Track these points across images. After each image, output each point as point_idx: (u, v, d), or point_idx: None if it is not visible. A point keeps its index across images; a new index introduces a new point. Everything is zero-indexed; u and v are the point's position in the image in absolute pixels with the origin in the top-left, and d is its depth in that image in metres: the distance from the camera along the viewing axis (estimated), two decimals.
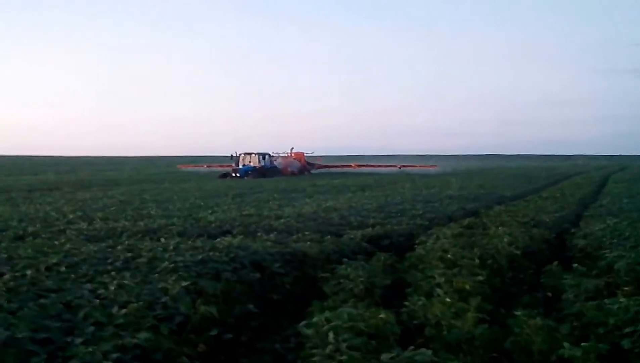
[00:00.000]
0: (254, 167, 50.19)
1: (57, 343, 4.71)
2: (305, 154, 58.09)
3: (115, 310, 5.52)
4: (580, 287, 7.10)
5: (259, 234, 11.45)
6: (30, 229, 12.17)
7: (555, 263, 8.79)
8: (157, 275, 7.20)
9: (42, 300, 5.77)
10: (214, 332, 5.73)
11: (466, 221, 13.52)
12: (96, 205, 19.38)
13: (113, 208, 17.98)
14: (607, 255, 8.81)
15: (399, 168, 55.78)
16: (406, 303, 6.61)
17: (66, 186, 33.61)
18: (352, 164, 60.41)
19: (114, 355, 4.38)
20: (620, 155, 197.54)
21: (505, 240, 9.84)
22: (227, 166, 52.36)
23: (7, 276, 6.80)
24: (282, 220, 13.85)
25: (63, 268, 7.47)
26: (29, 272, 7.07)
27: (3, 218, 14.56)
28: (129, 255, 8.50)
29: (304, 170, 55.70)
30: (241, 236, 10.64)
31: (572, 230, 12.97)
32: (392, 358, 4.75)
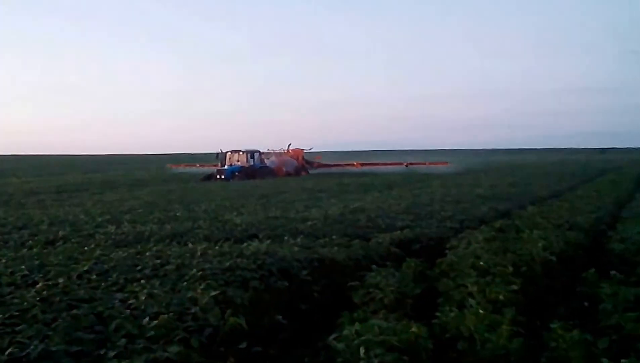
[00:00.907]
0: (242, 167, 44.90)
1: (91, 356, 4.72)
2: (304, 151, 53.38)
3: (146, 321, 5.51)
4: (618, 297, 6.92)
5: (285, 238, 11.42)
6: (60, 233, 12.27)
7: (592, 270, 8.59)
8: (185, 283, 7.17)
9: (75, 311, 5.80)
10: (243, 345, 5.68)
11: (498, 224, 13.26)
12: (123, 207, 19.52)
13: (140, 210, 18.11)
14: None
15: (406, 165, 50.98)
16: (438, 314, 6.51)
17: (93, 187, 33.93)
18: (355, 163, 55.46)
19: None
20: None
21: (540, 244, 9.57)
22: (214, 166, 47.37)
23: (40, 285, 6.87)
24: (308, 223, 13.79)
25: (94, 276, 7.51)
26: (61, 280, 7.13)
27: (34, 222, 14.71)
28: (158, 261, 8.51)
29: (301, 169, 50.62)
30: (268, 241, 10.61)
31: (609, 233, 12.66)
32: None
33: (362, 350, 5.09)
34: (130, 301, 6.26)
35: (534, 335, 6.04)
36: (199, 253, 9.05)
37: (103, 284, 7.15)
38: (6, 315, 5.68)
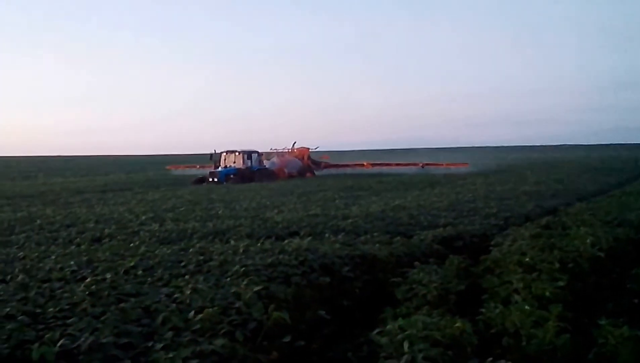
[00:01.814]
0: (237, 169, 40.72)
1: (139, 348, 4.81)
2: (309, 151, 48.70)
3: (191, 315, 5.59)
4: None
5: (326, 235, 11.45)
6: (106, 231, 12.52)
7: None
8: (228, 279, 7.27)
9: (122, 305, 5.92)
10: (286, 339, 5.71)
11: (544, 221, 13.08)
12: (166, 205, 19.80)
13: (182, 209, 18.33)
14: None
15: (422, 166, 46.54)
16: (482, 310, 6.45)
17: (136, 186, 34.42)
18: (365, 163, 50.69)
19: (194, 362, 4.43)
20: None
21: (588, 241, 9.37)
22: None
23: (89, 280, 7.05)
24: (349, 220, 13.80)
25: (140, 272, 7.69)
26: (108, 276, 7.32)
27: (81, 220, 15.03)
28: (201, 258, 8.64)
29: (306, 170, 45.94)
30: (309, 238, 10.66)
31: None
32: None
33: (405, 345, 5.06)
34: (175, 296, 6.37)
35: (582, 331, 5.93)
36: (241, 250, 9.16)
37: (149, 279, 7.32)
38: (57, 309, 5.84)
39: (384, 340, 5.50)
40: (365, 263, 9.14)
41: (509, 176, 34.30)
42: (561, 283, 6.90)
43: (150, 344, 4.88)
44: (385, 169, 47.49)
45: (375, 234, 11.53)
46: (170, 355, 4.51)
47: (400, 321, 5.80)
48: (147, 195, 26.53)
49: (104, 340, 4.79)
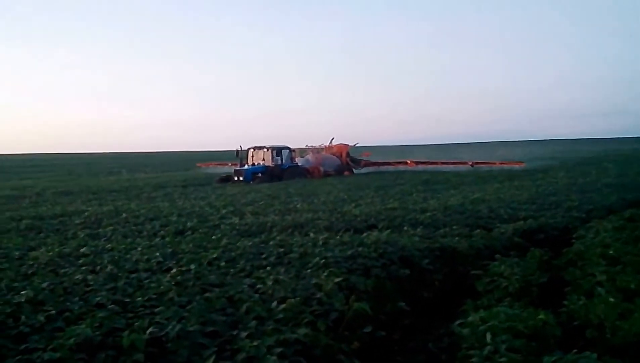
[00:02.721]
0: (266, 167, 36.65)
1: (224, 336, 4.96)
2: (349, 147, 44.73)
3: (274, 305, 5.73)
4: None
5: (405, 228, 11.44)
6: (188, 224, 12.87)
7: None
8: (309, 270, 7.40)
9: (207, 294, 6.14)
10: (367, 329, 5.77)
11: (628, 213, 12.66)
12: (245, 200, 20.13)
13: (261, 203, 18.61)
14: None
15: (472, 165, 41.88)
16: (565, 302, 6.34)
17: (215, 181, 35.07)
18: (409, 161, 45.88)
19: (278, 350, 4.54)
20: None
21: None
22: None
23: (174, 271, 7.32)
24: (427, 213, 13.72)
25: (223, 263, 7.92)
26: (192, 267, 7.56)
27: (164, 214, 15.50)
28: (281, 250, 8.81)
29: (344, 169, 42.13)
30: (388, 231, 10.69)
31: None
32: (554, 361, 4.57)
33: (488, 336, 5.05)
34: (258, 286, 6.55)
35: None
36: (320, 243, 9.28)
37: (232, 270, 7.54)
38: (145, 298, 6.10)
39: (465, 331, 5.51)
40: (445, 256, 9.12)
41: (590, 169, 33.24)
42: None
43: (235, 332, 5.04)
44: (430, 168, 43.22)
45: (454, 227, 11.47)
46: (255, 343, 4.63)
47: (482, 313, 5.79)
48: (226, 190, 27.04)
49: (191, 329, 4.97)
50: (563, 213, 13.70)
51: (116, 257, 8.67)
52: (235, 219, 13.56)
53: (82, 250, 9.47)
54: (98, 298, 6.09)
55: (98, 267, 7.97)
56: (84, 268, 7.93)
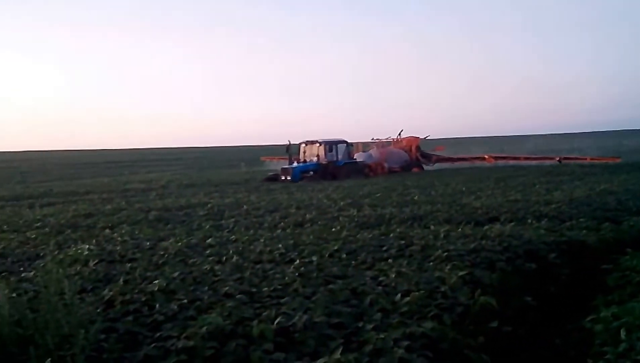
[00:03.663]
0: (318, 163, 32.95)
1: (350, 328, 4.98)
2: (419, 140, 41.02)
3: (397, 297, 5.70)
4: None
5: (528, 221, 11.11)
6: (307, 216, 13.04)
7: None
8: (431, 263, 7.32)
9: (330, 286, 6.20)
10: (494, 324, 5.63)
11: None
12: (362, 192, 20.20)
13: (378, 195, 18.61)
14: None
15: (559, 161, 37.28)
16: None
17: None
18: (486, 156, 41.14)
19: (404, 343, 4.50)
20: None
21: None
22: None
23: (297, 262, 7.45)
24: (552, 206, 13.23)
25: (344, 255, 7.98)
26: (314, 258, 7.67)
27: (283, 206, 15.81)
28: (402, 242, 8.76)
29: (413, 165, 38.51)
30: (511, 224, 10.41)
31: None
32: None
33: (623, 333, 4.83)
34: (380, 279, 6.54)
35: None
36: (442, 235, 9.17)
37: (353, 262, 7.57)
38: (271, 289, 6.23)
39: (598, 327, 5.28)
40: (572, 250, 8.78)
41: None
42: None
43: (360, 325, 5.04)
44: (512, 163, 39.18)
45: (580, 219, 11.00)
46: (381, 335, 4.61)
47: (614, 308, 5.54)
48: (343, 182, 27.26)
49: (317, 320, 5.02)
50: None
51: (240, 248, 8.91)
52: (354, 212, 13.62)
53: (208, 241, 9.81)
54: (226, 288, 6.27)
55: (224, 258, 8.21)
56: (210, 258, 8.21)
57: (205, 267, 7.48)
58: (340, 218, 12.55)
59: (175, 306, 5.62)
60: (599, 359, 4.81)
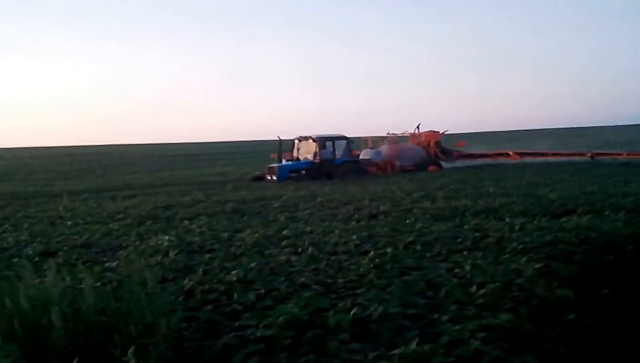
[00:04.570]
0: (311, 162, 29.78)
1: (425, 319, 5.05)
2: (439, 135, 37.57)
3: (473, 289, 5.73)
4: None
5: (606, 213, 10.87)
6: (381, 208, 13.10)
7: None
8: (507, 255, 7.30)
9: (405, 277, 6.28)
10: (571, 316, 5.60)
11: None
12: (435, 184, 20.11)
13: (452, 187, 18.50)
14: None
15: (591, 156, 34.23)
16: None
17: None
18: (510, 152, 37.58)
19: (480, 335, 4.54)
20: None
21: None
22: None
23: (371, 254, 7.56)
24: (630, 198, 12.88)
25: (418, 247, 8.04)
26: (389, 250, 7.76)
27: (357, 198, 15.88)
28: (477, 234, 8.77)
29: (429, 162, 34.52)
30: (588, 216, 10.23)
31: None
32: None
33: None
34: (455, 271, 6.59)
35: None
36: (517, 227, 9.13)
37: (428, 254, 7.63)
38: (346, 280, 6.37)
39: None
40: None
41: None
42: None
43: (435, 316, 5.10)
44: (539, 160, 35.82)
45: None
46: (457, 327, 4.67)
47: None
48: (416, 175, 27.18)
49: (393, 311, 5.12)
50: None
51: (315, 240, 9.06)
52: (427, 204, 13.62)
53: (284, 232, 10.01)
54: (302, 279, 6.44)
55: (300, 249, 8.38)
56: (287, 249, 8.40)
57: (281, 258, 7.67)
58: (414, 210, 12.56)
59: (253, 296, 5.79)
60: None
